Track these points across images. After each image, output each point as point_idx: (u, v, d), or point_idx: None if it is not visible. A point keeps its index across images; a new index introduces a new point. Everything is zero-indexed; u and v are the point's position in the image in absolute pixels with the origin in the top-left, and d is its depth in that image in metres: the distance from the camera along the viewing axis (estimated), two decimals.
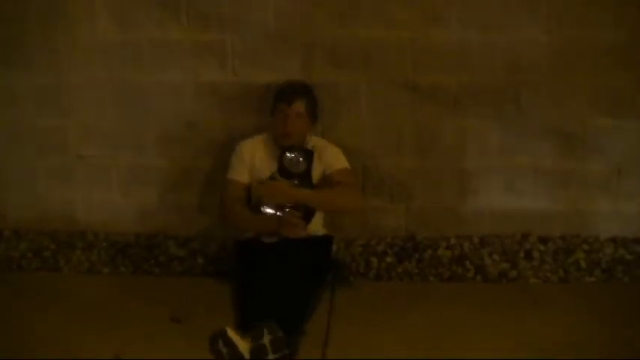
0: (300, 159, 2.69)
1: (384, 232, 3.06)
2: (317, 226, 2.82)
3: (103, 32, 2.98)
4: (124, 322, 2.56)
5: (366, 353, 2.33)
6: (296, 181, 2.68)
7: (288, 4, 2.90)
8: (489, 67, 2.90)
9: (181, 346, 2.36)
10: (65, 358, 2.28)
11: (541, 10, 2.82)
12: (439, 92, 2.95)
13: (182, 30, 2.96)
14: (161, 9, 2.95)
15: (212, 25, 2.95)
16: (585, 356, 2.25)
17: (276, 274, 2.50)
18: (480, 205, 3.04)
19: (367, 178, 3.04)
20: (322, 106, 2.90)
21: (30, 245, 3.16)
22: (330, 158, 2.80)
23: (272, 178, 2.70)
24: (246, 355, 2.21)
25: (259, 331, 2.24)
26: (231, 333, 2.25)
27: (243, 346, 2.22)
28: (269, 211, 2.68)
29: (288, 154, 2.68)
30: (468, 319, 2.54)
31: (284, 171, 2.68)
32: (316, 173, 2.76)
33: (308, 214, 2.71)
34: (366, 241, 3.05)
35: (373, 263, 2.99)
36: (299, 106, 2.71)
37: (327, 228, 2.93)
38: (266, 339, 2.22)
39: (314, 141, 2.82)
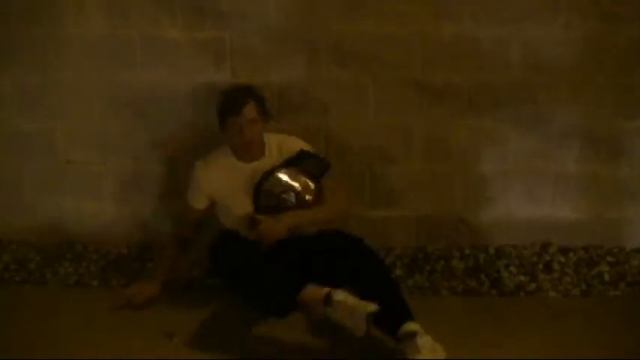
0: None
1: (392, 243, 2.99)
2: None
3: (93, 28, 2.91)
4: (115, 338, 2.47)
5: None
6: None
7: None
8: (505, 65, 2.85)
9: None
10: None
11: (561, 4, 2.77)
12: (451, 92, 2.89)
13: (177, 27, 2.90)
14: (155, 4, 2.88)
15: (209, 22, 2.89)
16: None
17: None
18: (496, 213, 2.99)
19: (374, 183, 2.99)
20: (327, 106, 2.87)
21: (14, 256, 3.06)
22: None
23: (253, 220, 2.56)
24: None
25: None
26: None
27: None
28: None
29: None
30: (483, 335, 2.45)
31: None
32: None
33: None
34: None
35: None
36: (249, 112, 2.55)
37: None
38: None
39: (273, 139, 2.68)
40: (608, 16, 2.75)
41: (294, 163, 2.62)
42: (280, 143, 2.67)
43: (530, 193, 2.95)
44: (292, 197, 2.57)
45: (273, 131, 2.72)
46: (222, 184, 2.64)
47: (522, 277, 2.84)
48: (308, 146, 2.69)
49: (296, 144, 2.68)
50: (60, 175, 3.07)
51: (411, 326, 2.17)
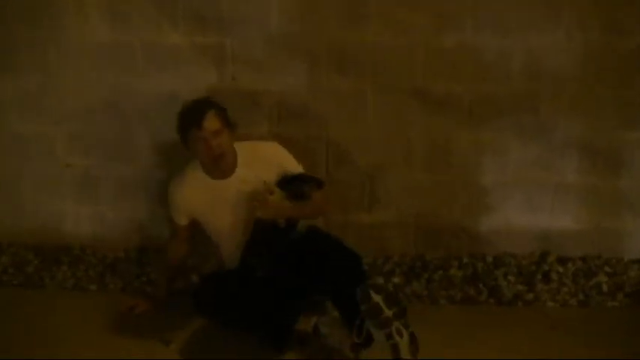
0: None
1: (391, 250, 2.98)
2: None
3: (94, 33, 2.87)
4: (112, 342, 2.47)
5: None
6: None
7: (292, 7, 2.81)
8: (507, 74, 2.81)
9: None
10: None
11: (563, 14, 2.74)
12: (452, 101, 2.86)
13: (178, 32, 2.86)
14: (156, 9, 2.84)
15: (210, 28, 2.85)
16: None
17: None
18: (494, 222, 2.96)
19: (373, 191, 2.97)
20: (327, 114, 2.83)
21: (12, 259, 3.05)
22: (286, 162, 2.55)
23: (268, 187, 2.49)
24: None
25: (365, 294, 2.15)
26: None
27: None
28: None
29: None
30: (480, 344, 2.46)
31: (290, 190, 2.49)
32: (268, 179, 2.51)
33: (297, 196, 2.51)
34: (371, 259, 2.94)
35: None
36: (212, 123, 2.40)
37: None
38: (377, 298, 2.13)
39: (244, 149, 2.54)
40: (609, 28, 2.72)
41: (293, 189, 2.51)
42: (253, 152, 2.54)
43: (530, 203, 2.92)
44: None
45: (270, 137, 2.71)
46: (198, 201, 2.55)
47: (520, 287, 2.84)
48: (283, 150, 2.57)
49: (269, 150, 2.56)
50: (59, 178, 3.05)
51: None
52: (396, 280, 2.87)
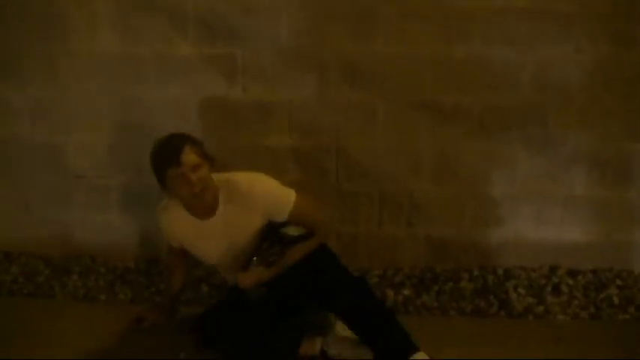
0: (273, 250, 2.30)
1: (401, 263, 2.97)
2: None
3: (104, 44, 2.90)
4: (122, 353, 2.45)
5: None
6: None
7: (302, 19, 2.82)
8: (516, 86, 2.81)
9: None
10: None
11: (573, 27, 2.73)
12: (461, 113, 2.85)
13: (188, 43, 2.88)
14: (167, 20, 2.86)
15: (221, 39, 2.87)
16: None
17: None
18: (504, 235, 2.94)
19: (383, 203, 2.96)
20: (337, 126, 2.83)
21: (22, 269, 3.06)
22: (271, 206, 2.30)
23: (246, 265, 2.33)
24: None
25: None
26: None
27: None
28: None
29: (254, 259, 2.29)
30: (491, 356, 2.42)
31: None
32: (255, 226, 2.32)
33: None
34: (382, 271, 2.95)
35: (389, 296, 2.85)
36: (190, 158, 2.20)
37: (340, 256, 2.77)
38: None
39: (225, 182, 2.33)
40: (618, 40, 2.71)
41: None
42: (235, 186, 2.31)
43: (539, 215, 2.90)
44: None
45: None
46: (183, 235, 2.44)
47: (531, 299, 2.81)
48: (284, 195, 2.31)
49: (254, 189, 2.30)
50: (69, 188, 3.06)
51: (419, 356, 2.15)
52: (406, 292, 2.85)
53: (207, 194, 2.25)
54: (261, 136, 2.91)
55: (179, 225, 2.41)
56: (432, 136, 2.88)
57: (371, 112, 2.87)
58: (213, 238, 2.36)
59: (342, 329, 2.34)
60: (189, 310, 2.70)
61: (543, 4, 2.72)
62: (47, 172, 3.06)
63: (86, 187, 3.06)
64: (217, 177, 2.32)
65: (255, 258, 2.29)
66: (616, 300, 2.80)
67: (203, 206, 2.30)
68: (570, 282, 2.87)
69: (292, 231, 2.31)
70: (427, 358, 2.14)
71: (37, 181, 3.07)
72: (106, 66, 2.92)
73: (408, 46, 2.80)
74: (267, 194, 2.29)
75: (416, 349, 2.15)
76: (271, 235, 2.30)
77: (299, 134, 2.90)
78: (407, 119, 2.86)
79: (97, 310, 2.86)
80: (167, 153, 2.22)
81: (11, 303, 2.91)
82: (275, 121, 2.89)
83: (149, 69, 2.91)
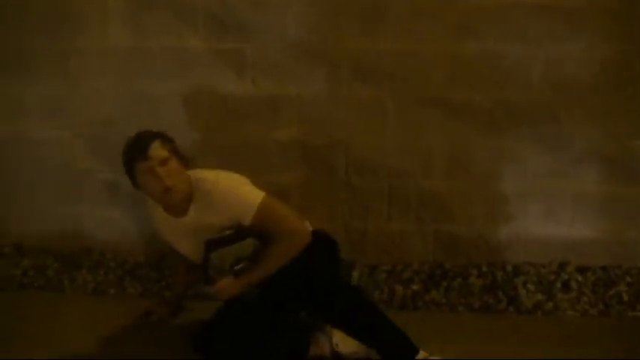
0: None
1: (410, 258, 2.96)
2: None
3: (114, 39, 2.91)
4: (131, 348, 2.45)
5: None
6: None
7: (312, 14, 2.82)
8: (526, 84, 2.80)
9: None
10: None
11: (586, 24, 2.73)
12: (471, 110, 2.85)
13: (198, 38, 2.88)
14: (176, 15, 2.87)
15: (230, 34, 2.87)
16: None
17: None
18: (514, 231, 2.93)
19: (393, 199, 2.95)
20: (347, 122, 2.82)
21: (32, 263, 3.06)
22: (233, 207, 2.20)
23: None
24: None
25: None
26: None
27: None
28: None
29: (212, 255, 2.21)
30: (499, 353, 2.41)
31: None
32: (223, 228, 2.22)
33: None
34: (390, 267, 2.93)
35: (398, 291, 2.85)
36: (158, 152, 2.17)
37: (349, 252, 2.80)
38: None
39: (197, 181, 2.25)
40: (629, 38, 2.71)
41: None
42: (199, 185, 2.24)
43: (549, 212, 2.89)
44: (242, 264, 2.22)
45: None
46: (164, 233, 2.44)
47: (540, 296, 2.81)
48: (250, 199, 2.20)
49: (235, 204, 2.20)
50: (79, 183, 3.07)
51: (420, 356, 2.14)
52: (415, 287, 2.85)
53: (176, 190, 2.18)
54: (270, 131, 2.91)
55: (160, 222, 2.41)
56: (443, 132, 2.87)
57: (381, 109, 2.86)
58: (188, 237, 2.31)
59: None
60: (194, 305, 2.72)
61: (554, 1, 2.72)
62: (58, 167, 3.06)
63: (96, 182, 3.06)
64: (192, 174, 2.27)
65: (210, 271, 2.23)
66: (625, 297, 2.79)
67: (174, 204, 2.25)
68: (579, 278, 2.86)
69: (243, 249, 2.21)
70: (427, 356, 2.14)
71: (49, 176, 3.08)
72: (116, 61, 2.92)
73: (419, 42, 2.79)
74: (228, 193, 2.21)
75: (416, 351, 2.15)
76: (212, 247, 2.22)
77: (308, 129, 2.90)
78: (417, 116, 2.86)
79: (106, 304, 2.88)
80: (136, 148, 2.20)
81: (22, 296, 2.93)
82: (284, 116, 2.89)
83: (158, 64, 2.92)
